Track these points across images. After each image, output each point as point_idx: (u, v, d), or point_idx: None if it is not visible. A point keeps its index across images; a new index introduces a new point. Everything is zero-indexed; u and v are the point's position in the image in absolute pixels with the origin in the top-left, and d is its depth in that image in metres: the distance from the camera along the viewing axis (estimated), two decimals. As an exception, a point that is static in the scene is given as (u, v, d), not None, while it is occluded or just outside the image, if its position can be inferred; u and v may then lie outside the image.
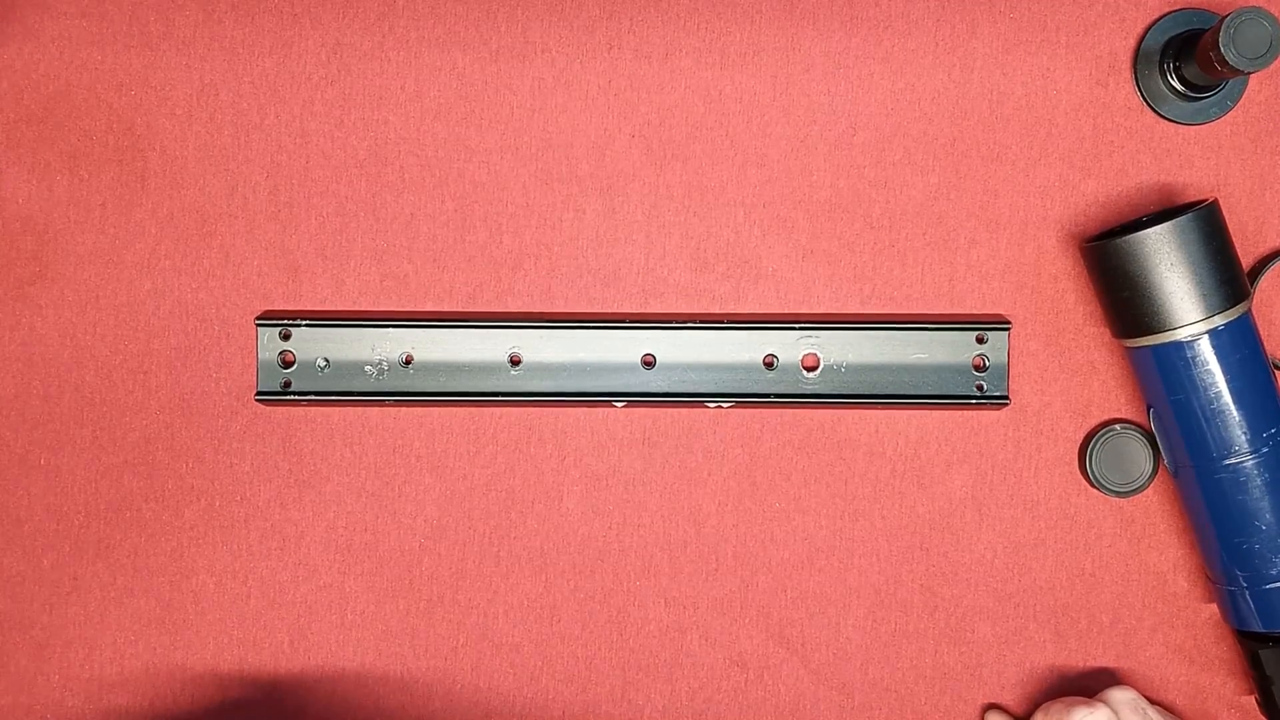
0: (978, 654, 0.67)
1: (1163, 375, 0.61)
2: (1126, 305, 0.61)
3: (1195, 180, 0.66)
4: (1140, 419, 0.66)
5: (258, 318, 0.66)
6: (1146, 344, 0.61)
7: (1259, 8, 0.59)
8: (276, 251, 0.66)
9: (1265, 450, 0.60)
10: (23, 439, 0.66)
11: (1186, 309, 0.59)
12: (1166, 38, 0.66)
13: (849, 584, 0.67)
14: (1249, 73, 0.61)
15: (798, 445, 0.67)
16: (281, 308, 0.66)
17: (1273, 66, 0.59)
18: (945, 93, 0.66)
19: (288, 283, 0.66)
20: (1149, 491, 0.66)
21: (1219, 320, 0.59)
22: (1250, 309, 0.61)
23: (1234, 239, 0.63)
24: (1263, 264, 0.66)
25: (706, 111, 0.66)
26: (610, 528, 0.67)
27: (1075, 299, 0.66)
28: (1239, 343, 0.60)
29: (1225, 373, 0.60)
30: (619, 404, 0.66)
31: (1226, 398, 0.60)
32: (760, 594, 0.67)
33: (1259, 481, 0.60)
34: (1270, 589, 0.61)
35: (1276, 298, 0.66)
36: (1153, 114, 0.66)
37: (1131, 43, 0.66)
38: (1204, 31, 0.62)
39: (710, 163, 0.66)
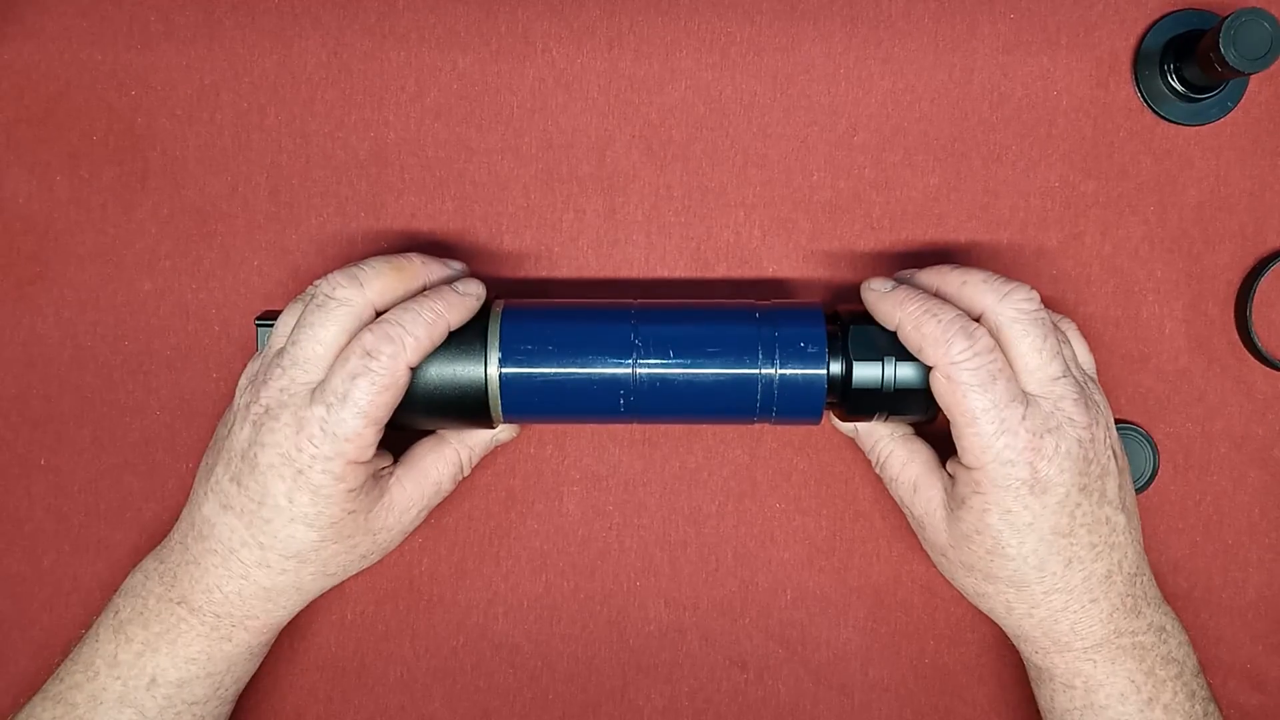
0: (977, 654, 0.67)
1: None
2: None
3: (1195, 181, 0.66)
4: (1140, 420, 0.66)
5: (258, 318, 0.65)
6: None
7: (1259, 8, 0.59)
8: (277, 251, 0.66)
9: None
10: (23, 439, 0.66)
11: None
12: (1167, 38, 0.66)
13: (849, 584, 0.67)
14: (1249, 74, 0.61)
15: (798, 445, 0.67)
16: (282, 308, 0.66)
17: (1273, 68, 0.59)
18: (945, 93, 0.66)
19: (288, 283, 0.66)
20: (1149, 491, 0.66)
21: None
22: None
23: (1234, 240, 0.63)
24: (1263, 265, 0.66)
25: (707, 111, 0.66)
26: (610, 528, 0.67)
27: (1075, 299, 0.66)
28: None
29: None
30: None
31: None
32: (760, 594, 0.67)
33: None
34: None
35: (1277, 298, 0.66)
36: (1153, 115, 0.66)
37: (1132, 43, 0.66)
38: (1204, 32, 0.63)
39: (710, 163, 0.66)
